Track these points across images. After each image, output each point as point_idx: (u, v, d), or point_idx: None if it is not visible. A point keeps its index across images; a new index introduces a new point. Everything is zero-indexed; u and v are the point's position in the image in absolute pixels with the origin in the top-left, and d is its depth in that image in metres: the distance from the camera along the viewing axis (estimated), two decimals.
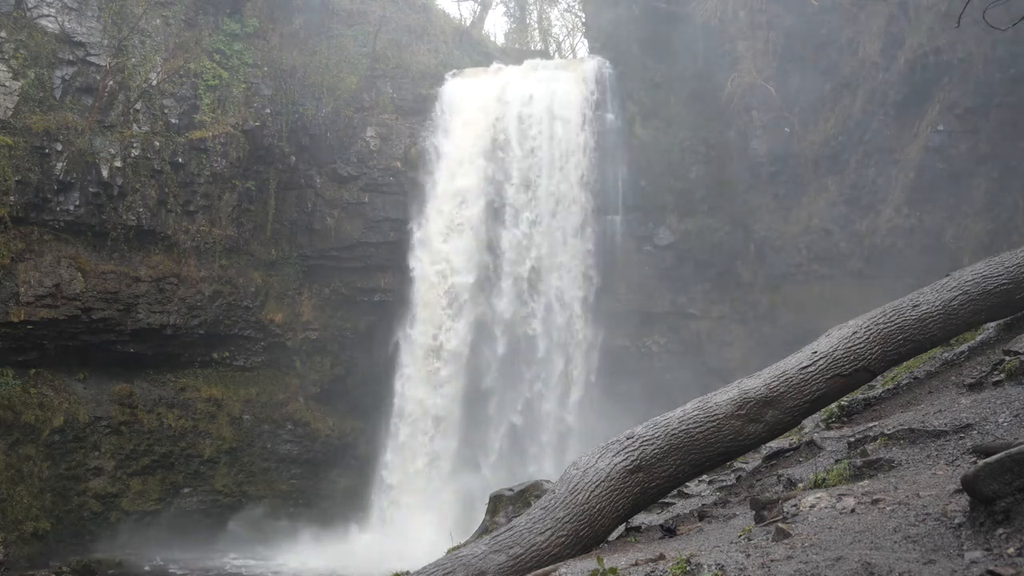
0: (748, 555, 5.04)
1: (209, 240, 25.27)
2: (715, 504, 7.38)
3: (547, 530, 6.36)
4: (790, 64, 25.24)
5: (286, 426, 26.19)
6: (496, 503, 10.01)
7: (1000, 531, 4.55)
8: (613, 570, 5.34)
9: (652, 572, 5.25)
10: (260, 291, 26.23)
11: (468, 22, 37.26)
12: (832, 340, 7.82)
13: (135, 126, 23.98)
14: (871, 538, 4.98)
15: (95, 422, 23.68)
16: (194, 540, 23.51)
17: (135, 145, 23.84)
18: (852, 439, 7.30)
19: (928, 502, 5.34)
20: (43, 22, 22.88)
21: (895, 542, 4.86)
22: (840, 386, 7.68)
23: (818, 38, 24.83)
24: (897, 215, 23.13)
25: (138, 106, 24.06)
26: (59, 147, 22.60)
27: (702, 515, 6.97)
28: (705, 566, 4.97)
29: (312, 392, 26.86)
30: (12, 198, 21.97)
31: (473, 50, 30.86)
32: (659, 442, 6.91)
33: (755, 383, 7.43)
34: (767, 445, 8.04)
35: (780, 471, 7.48)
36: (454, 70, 27.97)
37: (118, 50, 23.67)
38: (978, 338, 8.94)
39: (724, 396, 7.30)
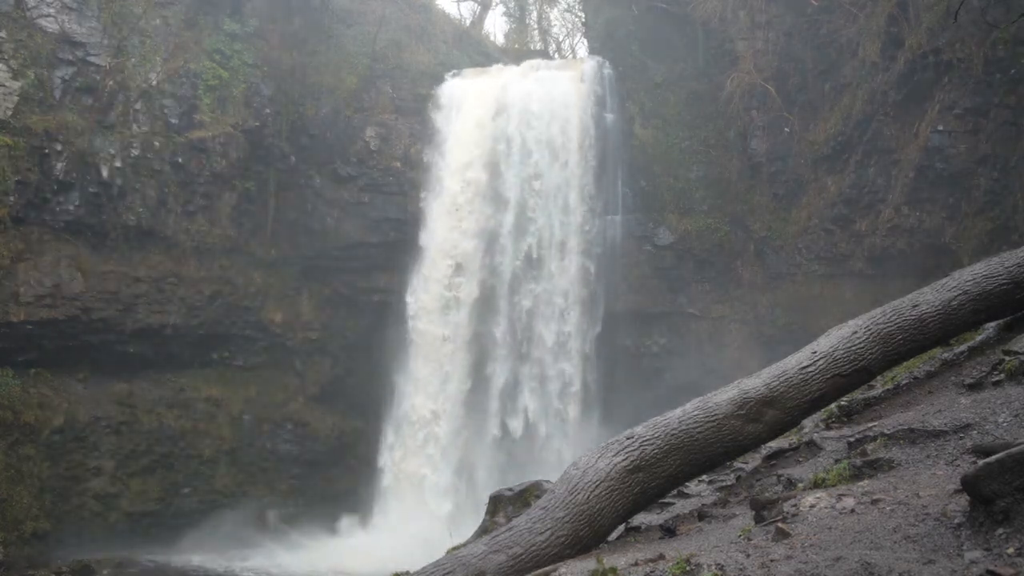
0: (748, 555, 5.04)
1: (209, 240, 25.25)
2: (715, 504, 7.37)
3: (547, 530, 6.35)
4: (790, 64, 25.24)
5: (286, 426, 26.19)
6: (496, 503, 9.98)
7: (1000, 531, 4.54)
8: (613, 570, 5.34)
9: (652, 572, 5.25)
10: (260, 291, 26.21)
11: (468, 22, 37.34)
12: (832, 340, 7.80)
13: (135, 126, 23.97)
14: (871, 538, 4.98)
15: (95, 422, 23.68)
16: (194, 540, 23.47)
17: (135, 145, 23.84)
18: (852, 439, 7.29)
19: (928, 502, 5.33)
20: (43, 22, 22.87)
21: (895, 542, 4.86)
22: (840, 386, 7.66)
23: (818, 38, 24.83)
24: (897, 215, 23.11)
25: (138, 106, 24.06)
26: (59, 147, 22.59)
27: (702, 515, 6.96)
28: (705, 566, 4.97)
29: (312, 392, 26.86)
30: (12, 198, 21.97)
31: (473, 50, 30.88)
32: (659, 442, 6.89)
33: (755, 383, 7.41)
34: (767, 445, 8.02)
35: (780, 471, 7.47)
36: (454, 70, 27.99)
37: (118, 50, 23.66)
38: (978, 338, 8.91)
39: (724, 396, 7.29)
